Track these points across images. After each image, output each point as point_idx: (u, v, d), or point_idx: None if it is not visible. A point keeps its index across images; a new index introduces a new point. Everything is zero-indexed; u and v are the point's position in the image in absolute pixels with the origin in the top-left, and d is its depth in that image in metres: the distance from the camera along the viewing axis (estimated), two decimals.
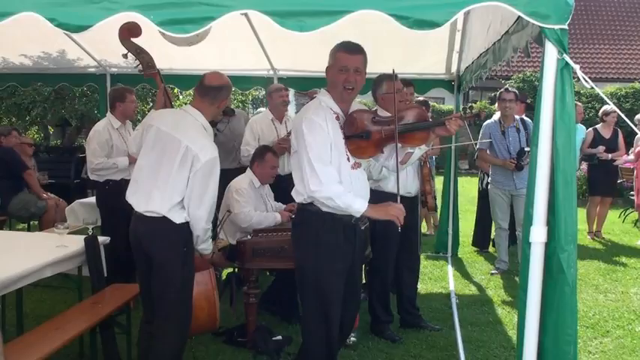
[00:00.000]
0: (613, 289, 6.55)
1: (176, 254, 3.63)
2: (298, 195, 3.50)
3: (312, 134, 3.34)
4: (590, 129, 9.34)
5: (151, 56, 4.26)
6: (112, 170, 5.61)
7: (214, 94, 3.72)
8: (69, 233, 4.59)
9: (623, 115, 3.04)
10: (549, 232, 2.72)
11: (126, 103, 5.74)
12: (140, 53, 4.23)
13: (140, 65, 4.27)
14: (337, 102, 3.49)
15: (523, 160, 6.48)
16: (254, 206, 5.25)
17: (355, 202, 3.36)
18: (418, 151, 4.07)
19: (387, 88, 4.68)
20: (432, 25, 2.66)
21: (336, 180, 3.35)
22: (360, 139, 3.50)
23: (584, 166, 10.14)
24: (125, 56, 4.24)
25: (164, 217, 3.57)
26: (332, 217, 3.42)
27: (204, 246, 3.84)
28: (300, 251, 3.55)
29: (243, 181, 5.33)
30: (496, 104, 7.74)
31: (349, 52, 3.44)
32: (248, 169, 5.46)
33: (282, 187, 5.80)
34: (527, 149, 6.49)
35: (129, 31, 4.05)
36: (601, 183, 9.25)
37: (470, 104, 4.38)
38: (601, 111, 9.48)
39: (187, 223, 3.65)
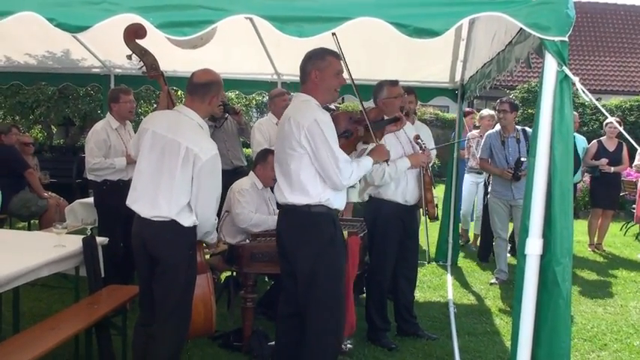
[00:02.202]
0: (612, 302, 6.52)
1: (182, 257, 3.65)
2: (306, 197, 3.59)
3: (330, 132, 3.56)
4: (595, 141, 9.32)
5: (155, 58, 4.26)
6: (109, 170, 5.61)
7: (204, 91, 3.71)
8: (67, 233, 4.58)
9: (621, 129, 3.03)
10: (545, 245, 2.71)
11: (120, 103, 5.74)
12: (144, 55, 4.23)
13: (144, 67, 4.27)
14: (320, 103, 3.69)
15: (521, 171, 6.47)
16: (255, 208, 5.24)
17: (367, 162, 3.84)
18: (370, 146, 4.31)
19: (387, 93, 4.77)
20: (432, 33, 2.65)
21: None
22: (345, 138, 3.83)
23: (587, 177, 10.09)
24: (129, 57, 4.24)
25: (173, 221, 3.57)
26: (337, 215, 3.74)
27: (212, 237, 3.93)
28: (311, 253, 3.62)
29: (246, 183, 5.34)
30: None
31: (338, 57, 3.70)
32: (251, 171, 5.46)
33: None
34: (523, 159, 6.49)
35: (134, 33, 4.04)
36: (603, 195, 9.21)
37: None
38: (605, 122, 9.47)
39: (194, 227, 3.67)
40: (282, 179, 3.73)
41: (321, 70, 3.64)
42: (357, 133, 4.09)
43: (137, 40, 4.10)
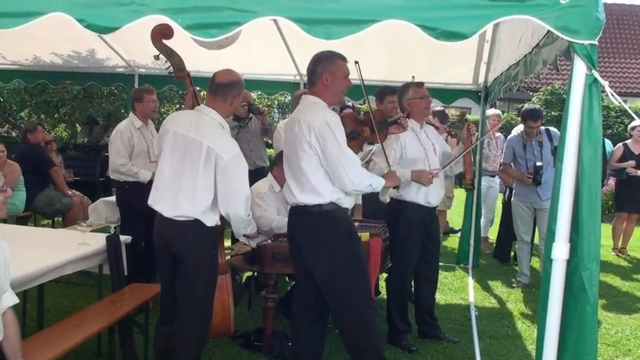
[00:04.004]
0: (637, 308, 6.43)
1: (205, 256, 3.68)
2: (318, 197, 3.64)
3: (341, 134, 3.61)
4: (620, 144, 9.20)
5: (182, 58, 4.28)
6: (131, 178, 5.67)
7: (225, 92, 3.73)
8: (91, 231, 4.62)
9: None
10: (572, 250, 2.69)
11: (144, 103, 5.80)
12: (171, 55, 4.24)
13: (171, 67, 4.29)
14: (328, 105, 3.76)
15: (540, 176, 6.41)
16: (276, 210, 5.25)
17: (380, 180, 3.82)
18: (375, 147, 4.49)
19: (413, 94, 4.82)
20: (460, 36, 2.64)
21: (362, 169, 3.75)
22: (352, 139, 3.91)
23: (612, 181, 9.97)
24: (157, 57, 4.26)
25: (196, 220, 3.59)
26: (347, 214, 3.84)
27: (249, 229, 3.92)
28: (329, 251, 3.68)
29: (264, 186, 5.34)
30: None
31: (345, 60, 3.78)
32: (269, 173, 5.47)
33: None
34: (539, 164, 6.43)
35: (161, 33, 4.05)
36: (629, 199, 9.08)
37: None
38: (630, 126, 9.35)
39: (216, 226, 3.71)
40: (292, 180, 3.76)
41: (331, 73, 3.70)
42: (364, 133, 4.21)
43: (164, 41, 4.12)
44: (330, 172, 3.62)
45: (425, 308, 5.20)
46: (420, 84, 4.92)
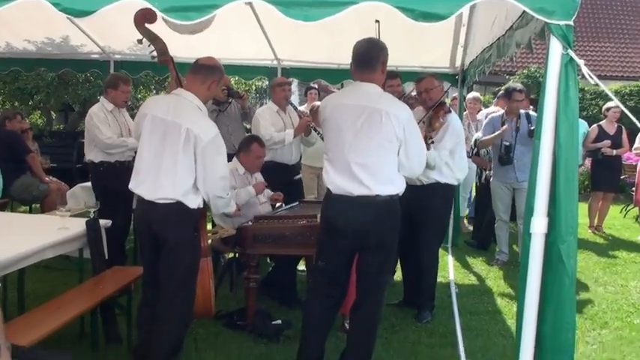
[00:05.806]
0: (612, 282, 6.57)
1: (188, 238, 3.71)
2: (394, 187, 3.65)
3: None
4: (595, 125, 9.35)
5: (165, 43, 4.26)
6: (121, 148, 5.64)
7: (206, 73, 3.75)
8: (71, 216, 4.60)
9: (627, 111, 3.03)
10: (550, 224, 2.74)
11: (117, 91, 5.78)
12: (155, 40, 4.22)
13: (154, 51, 4.28)
14: None
15: (509, 156, 6.58)
16: (236, 192, 5.28)
17: None
18: None
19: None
20: (438, 17, 2.66)
21: None
22: None
23: (588, 161, 10.11)
24: (140, 41, 4.23)
25: (178, 202, 3.60)
26: None
27: (228, 209, 4.03)
28: (394, 238, 3.78)
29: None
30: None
31: None
32: (234, 157, 5.49)
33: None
34: (506, 143, 6.60)
35: (144, 17, 4.02)
36: (604, 178, 9.26)
37: None
38: (604, 107, 9.48)
39: (199, 209, 3.72)
40: (360, 169, 3.57)
41: (386, 63, 3.71)
42: None
43: (147, 25, 4.09)
44: (408, 161, 3.65)
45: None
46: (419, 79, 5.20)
